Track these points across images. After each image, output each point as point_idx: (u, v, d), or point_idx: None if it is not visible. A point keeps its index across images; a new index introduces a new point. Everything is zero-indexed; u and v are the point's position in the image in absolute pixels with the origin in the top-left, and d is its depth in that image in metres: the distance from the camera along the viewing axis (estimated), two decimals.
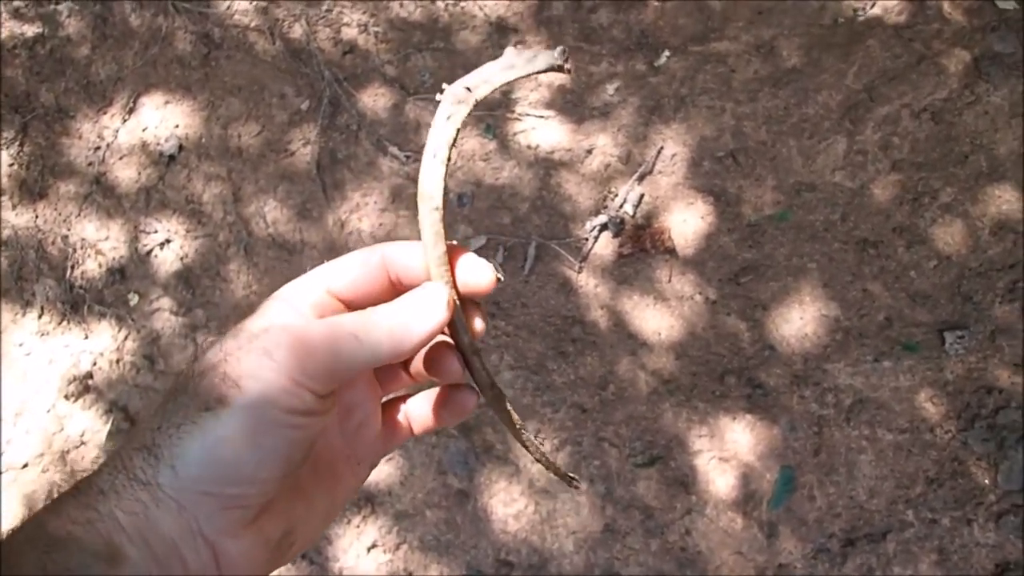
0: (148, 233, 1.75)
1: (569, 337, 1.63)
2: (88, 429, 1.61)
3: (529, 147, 1.77)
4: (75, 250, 1.75)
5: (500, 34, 1.88)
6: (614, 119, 1.78)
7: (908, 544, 1.48)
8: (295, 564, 1.49)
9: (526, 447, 0.45)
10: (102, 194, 1.79)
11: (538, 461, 0.46)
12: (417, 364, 0.44)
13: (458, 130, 0.38)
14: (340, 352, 0.36)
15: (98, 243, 1.75)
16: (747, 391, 1.56)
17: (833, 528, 1.49)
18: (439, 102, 0.38)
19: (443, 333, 0.41)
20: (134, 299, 1.70)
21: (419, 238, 0.39)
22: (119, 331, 1.68)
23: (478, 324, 0.41)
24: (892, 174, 1.71)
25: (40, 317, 1.70)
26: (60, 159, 1.82)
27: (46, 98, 1.86)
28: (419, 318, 0.38)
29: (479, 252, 1.69)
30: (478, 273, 0.40)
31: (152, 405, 1.61)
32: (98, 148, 1.83)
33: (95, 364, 1.65)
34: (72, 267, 1.74)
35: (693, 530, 1.50)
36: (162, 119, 1.84)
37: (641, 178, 1.73)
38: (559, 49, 0.38)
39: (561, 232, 1.71)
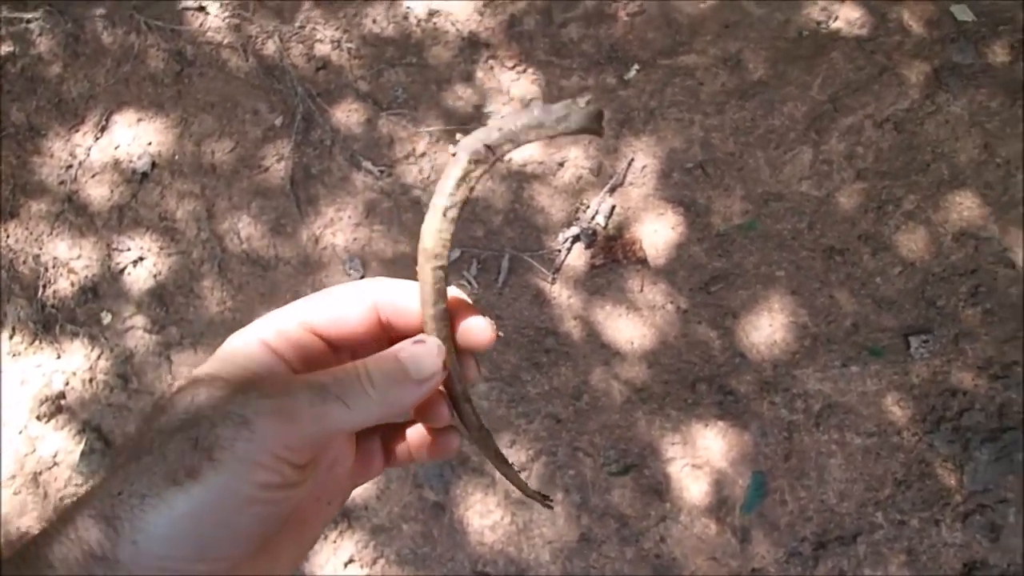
0: (121, 251, 1.75)
1: (543, 348, 1.64)
2: (61, 450, 1.60)
3: (501, 161, 1.79)
4: (47, 269, 1.74)
5: (472, 49, 1.90)
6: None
7: (878, 546, 1.50)
8: None
9: (516, 485, 0.44)
10: (74, 213, 1.78)
11: (528, 496, 0.45)
12: None
13: (472, 189, 0.36)
14: (326, 420, 0.34)
15: (70, 262, 1.75)
16: (718, 398, 1.59)
17: (805, 532, 1.51)
18: (454, 154, 0.36)
19: None
20: (107, 318, 1.70)
21: (409, 276, 0.38)
22: (92, 350, 1.67)
23: (471, 372, 0.40)
24: (857, 183, 1.74)
25: (11, 337, 1.69)
26: (32, 178, 1.82)
27: (17, 117, 1.86)
28: (413, 383, 0.36)
29: (453, 265, 1.70)
30: (479, 332, 0.38)
31: (122, 434, 1.61)
32: (70, 167, 1.82)
33: (68, 384, 1.64)
34: (44, 286, 1.73)
35: (668, 537, 1.51)
36: (135, 137, 1.84)
37: (612, 190, 1.76)
38: (595, 108, 0.35)
39: (534, 244, 1.73)
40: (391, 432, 0.42)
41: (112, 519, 0.31)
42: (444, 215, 0.36)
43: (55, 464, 1.59)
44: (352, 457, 0.41)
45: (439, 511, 1.53)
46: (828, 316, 1.65)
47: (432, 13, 1.93)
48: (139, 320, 1.69)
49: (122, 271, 1.73)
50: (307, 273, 1.71)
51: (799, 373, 1.60)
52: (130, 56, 1.90)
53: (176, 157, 1.82)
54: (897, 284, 1.66)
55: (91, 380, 1.65)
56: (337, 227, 1.75)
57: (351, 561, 1.50)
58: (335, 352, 0.39)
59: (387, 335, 0.39)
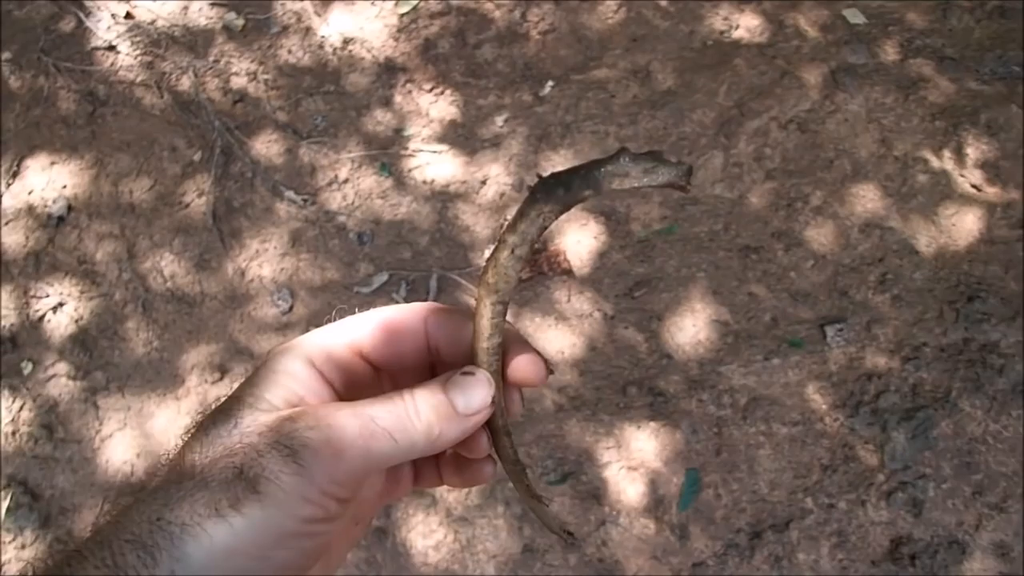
0: (39, 298, 1.71)
1: None
2: None
3: (424, 182, 1.81)
4: None
5: (389, 74, 1.93)
6: (505, 149, 1.85)
7: (809, 530, 1.56)
8: None
9: (543, 521, 0.44)
10: None
11: (553, 532, 0.45)
12: None
13: (544, 229, 0.35)
14: (373, 455, 0.33)
15: None
16: (649, 400, 1.63)
17: (740, 523, 1.56)
18: (530, 187, 0.35)
19: None
20: (27, 367, 1.65)
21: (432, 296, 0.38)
22: (13, 402, 1.62)
23: (515, 407, 0.39)
24: (767, 182, 1.82)
25: None
26: None
27: None
28: (461, 417, 0.35)
29: (382, 288, 1.71)
30: (533, 371, 0.38)
31: (50, 486, 1.56)
32: None
33: None
34: None
35: (609, 540, 1.54)
36: (48, 180, 1.80)
37: None
38: (686, 166, 0.34)
39: (461, 262, 1.75)
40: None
41: (151, 547, 0.30)
42: (512, 252, 0.35)
43: None
44: (383, 478, 0.40)
45: (381, 535, 1.53)
46: (748, 312, 1.71)
47: (347, 41, 1.95)
48: (62, 367, 1.65)
49: (42, 318, 1.69)
50: (234, 307, 1.70)
51: (724, 369, 1.66)
52: (40, 99, 1.87)
53: (93, 199, 1.79)
54: (811, 277, 1.74)
55: (14, 433, 1.60)
56: (263, 258, 1.74)
57: None
58: (376, 373, 0.39)
59: (430, 359, 0.39)
